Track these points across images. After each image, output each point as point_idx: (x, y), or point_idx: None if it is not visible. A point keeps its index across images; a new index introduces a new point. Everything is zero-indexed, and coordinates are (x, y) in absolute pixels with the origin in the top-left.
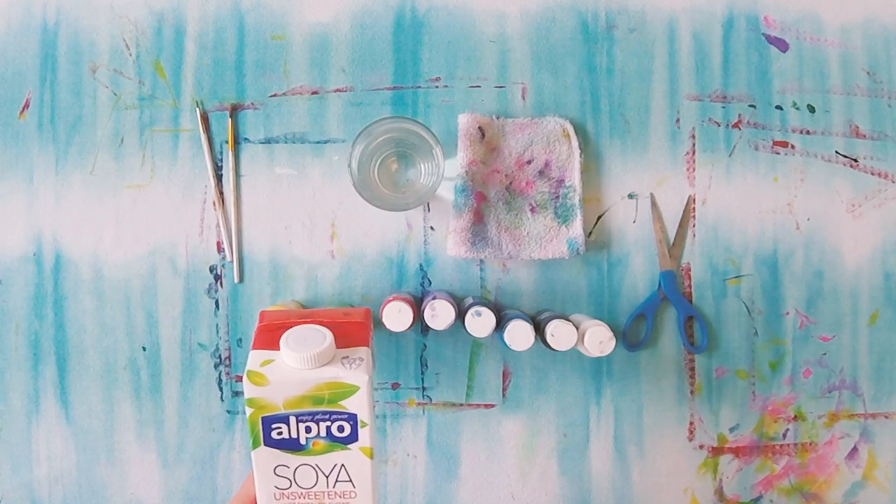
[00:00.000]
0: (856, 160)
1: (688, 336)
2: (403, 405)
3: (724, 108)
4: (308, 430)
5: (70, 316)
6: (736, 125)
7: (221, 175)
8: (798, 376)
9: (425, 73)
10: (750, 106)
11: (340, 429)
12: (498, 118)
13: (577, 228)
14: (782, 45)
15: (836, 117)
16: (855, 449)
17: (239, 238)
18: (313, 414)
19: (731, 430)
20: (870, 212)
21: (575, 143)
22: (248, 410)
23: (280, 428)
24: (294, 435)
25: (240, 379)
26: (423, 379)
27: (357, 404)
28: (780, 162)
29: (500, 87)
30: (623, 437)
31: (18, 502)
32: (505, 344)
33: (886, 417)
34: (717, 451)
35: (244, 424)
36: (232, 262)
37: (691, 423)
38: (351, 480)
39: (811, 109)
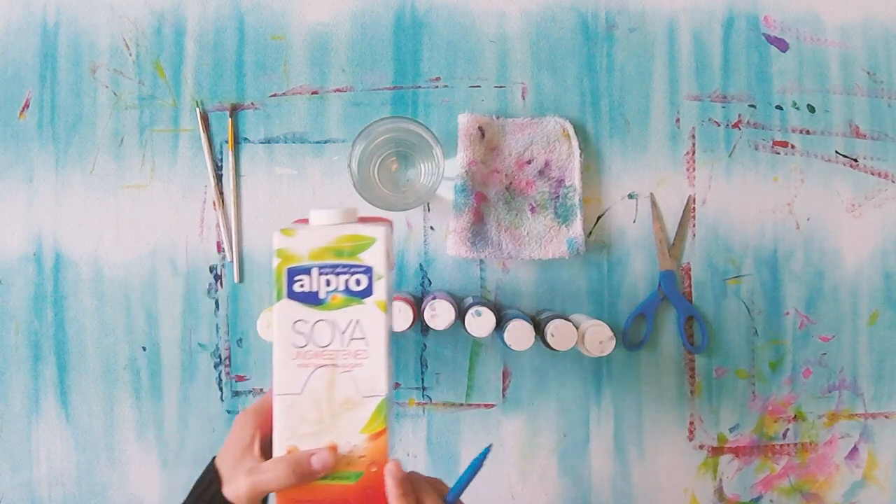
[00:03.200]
0: (856, 160)
1: (688, 336)
2: (403, 405)
3: (724, 108)
4: (328, 283)
5: (70, 316)
6: (736, 125)
7: (221, 175)
8: (798, 376)
9: (425, 73)
10: (750, 106)
11: (357, 282)
12: (498, 118)
13: (577, 228)
14: (782, 45)
15: (836, 117)
16: (855, 449)
17: (239, 238)
18: (334, 266)
19: (731, 430)
20: (870, 212)
21: (575, 143)
22: (276, 262)
23: (302, 280)
24: (315, 288)
25: (240, 379)
26: (423, 379)
27: (373, 256)
28: (780, 162)
29: (500, 87)
30: (623, 437)
31: (18, 502)
32: (505, 344)
33: (886, 417)
34: (717, 451)
35: None
36: (232, 262)
37: (691, 423)
38: (365, 338)
39: (811, 109)
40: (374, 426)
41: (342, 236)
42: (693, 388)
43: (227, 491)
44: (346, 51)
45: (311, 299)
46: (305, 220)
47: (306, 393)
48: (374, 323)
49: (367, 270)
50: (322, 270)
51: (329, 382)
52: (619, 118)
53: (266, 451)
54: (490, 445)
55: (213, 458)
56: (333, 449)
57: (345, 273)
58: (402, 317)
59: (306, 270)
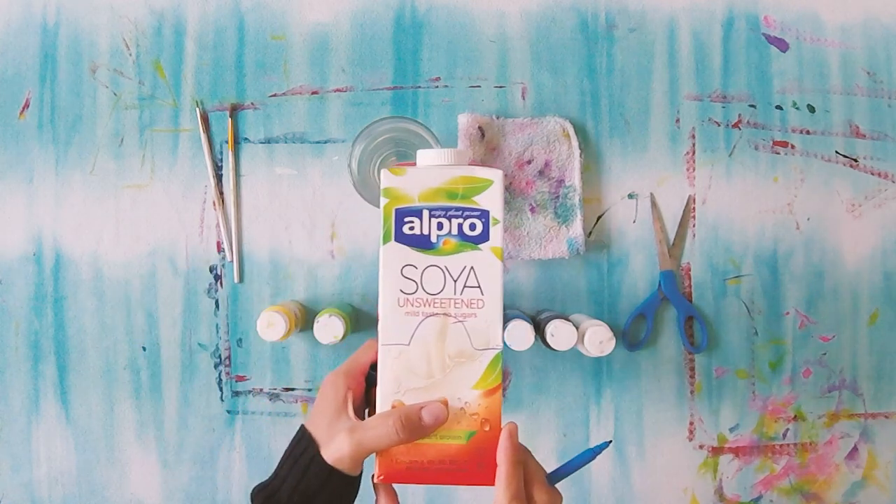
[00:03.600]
0: (856, 160)
1: (688, 336)
2: None
3: (724, 108)
4: (440, 226)
5: (70, 316)
6: (736, 125)
7: (221, 175)
8: (798, 376)
9: (425, 73)
10: (750, 106)
11: (472, 227)
12: (498, 118)
13: (577, 228)
14: (782, 45)
15: (836, 117)
16: (855, 449)
17: (239, 238)
18: (446, 209)
19: (731, 429)
20: (870, 212)
21: (575, 143)
22: (383, 201)
23: (412, 222)
24: (426, 231)
25: (240, 379)
26: None
27: (490, 200)
28: (780, 162)
29: (500, 86)
30: (623, 438)
31: (18, 502)
32: (505, 344)
33: (886, 417)
34: (717, 451)
35: (244, 424)
36: (232, 262)
37: (691, 423)
38: (480, 286)
39: (811, 109)
40: (488, 381)
41: (456, 177)
42: (693, 388)
43: (327, 453)
44: (346, 51)
45: (421, 243)
46: (413, 164)
47: (415, 343)
48: (489, 271)
49: (484, 214)
50: (434, 213)
51: (440, 333)
52: (619, 118)
53: (360, 414)
54: (611, 441)
55: (302, 425)
56: (445, 403)
57: (458, 216)
58: None
59: (417, 212)
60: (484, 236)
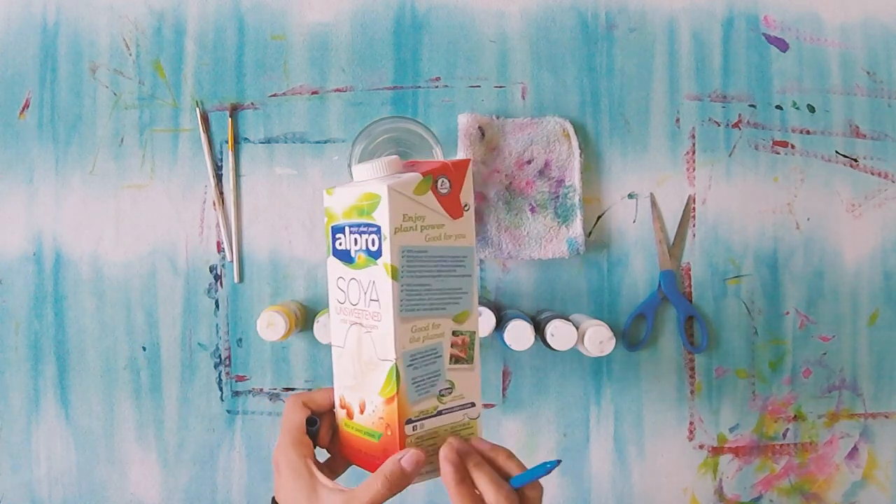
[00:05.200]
0: (856, 160)
1: (688, 336)
2: None
3: (724, 107)
4: (356, 242)
5: (70, 316)
6: (736, 125)
7: (221, 175)
8: (798, 376)
9: (425, 73)
10: (750, 106)
11: (373, 242)
12: (498, 118)
13: (577, 228)
14: (782, 45)
15: (836, 117)
16: (855, 449)
17: (239, 238)
18: (358, 225)
19: (731, 429)
20: (870, 212)
21: (575, 143)
22: (325, 220)
23: (340, 238)
24: (348, 247)
25: (240, 379)
26: None
27: (381, 215)
28: (780, 162)
29: (500, 86)
30: (623, 437)
31: (18, 502)
32: (505, 344)
33: (886, 417)
34: (717, 451)
35: (244, 424)
36: (232, 262)
37: (691, 423)
38: (378, 300)
39: (811, 109)
40: (387, 390)
41: (363, 194)
42: (693, 388)
43: None
44: (346, 51)
45: (346, 257)
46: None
47: (346, 347)
48: (383, 285)
49: (377, 230)
50: (351, 229)
51: (358, 340)
52: (619, 118)
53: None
54: (560, 461)
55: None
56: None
57: (365, 232)
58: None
59: (342, 229)
60: (379, 252)
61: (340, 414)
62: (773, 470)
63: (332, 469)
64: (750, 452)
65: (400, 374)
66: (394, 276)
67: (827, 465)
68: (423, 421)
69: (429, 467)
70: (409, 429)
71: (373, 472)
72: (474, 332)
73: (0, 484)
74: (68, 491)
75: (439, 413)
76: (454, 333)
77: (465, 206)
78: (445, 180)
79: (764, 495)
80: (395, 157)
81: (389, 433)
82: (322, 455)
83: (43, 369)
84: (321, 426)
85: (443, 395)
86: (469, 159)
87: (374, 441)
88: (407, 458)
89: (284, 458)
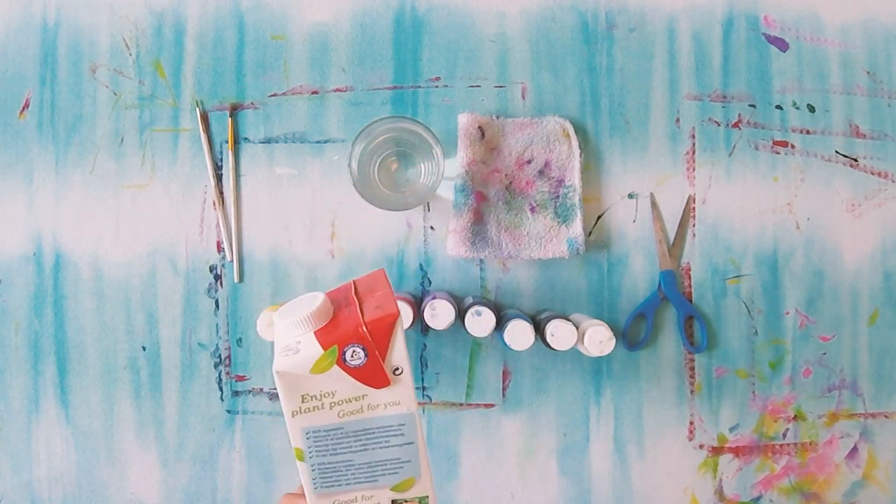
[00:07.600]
0: (856, 160)
1: (688, 336)
2: None
3: (724, 107)
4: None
5: (70, 316)
6: (736, 125)
7: (221, 175)
8: (798, 376)
9: (425, 72)
10: (750, 106)
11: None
12: (498, 118)
13: (577, 228)
14: (782, 45)
15: (836, 117)
16: (855, 449)
17: (239, 238)
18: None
19: (731, 429)
20: (870, 212)
21: (575, 142)
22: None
23: None
24: None
25: (240, 379)
26: (423, 378)
27: (280, 393)
28: (780, 162)
29: (500, 86)
30: (623, 437)
31: (18, 502)
32: (505, 344)
33: (886, 417)
34: (717, 451)
35: (244, 424)
36: (232, 261)
37: (691, 423)
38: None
39: (811, 109)
40: None
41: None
42: (693, 388)
43: None
44: (346, 51)
45: None
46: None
47: None
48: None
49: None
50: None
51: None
52: (619, 118)
53: None
54: None
55: None
56: None
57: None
58: (403, 317)
59: None
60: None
61: None
62: (773, 470)
63: None
64: (750, 452)
65: None
66: (300, 458)
67: (827, 465)
68: None
69: None
70: None
71: None
72: (426, 497)
73: (0, 484)
74: (68, 491)
75: None
76: (394, 503)
77: (396, 370)
78: (358, 350)
79: (764, 495)
80: (322, 300)
81: None
82: None
83: (43, 369)
84: None
85: None
86: (398, 312)
87: None
88: None
89: None
